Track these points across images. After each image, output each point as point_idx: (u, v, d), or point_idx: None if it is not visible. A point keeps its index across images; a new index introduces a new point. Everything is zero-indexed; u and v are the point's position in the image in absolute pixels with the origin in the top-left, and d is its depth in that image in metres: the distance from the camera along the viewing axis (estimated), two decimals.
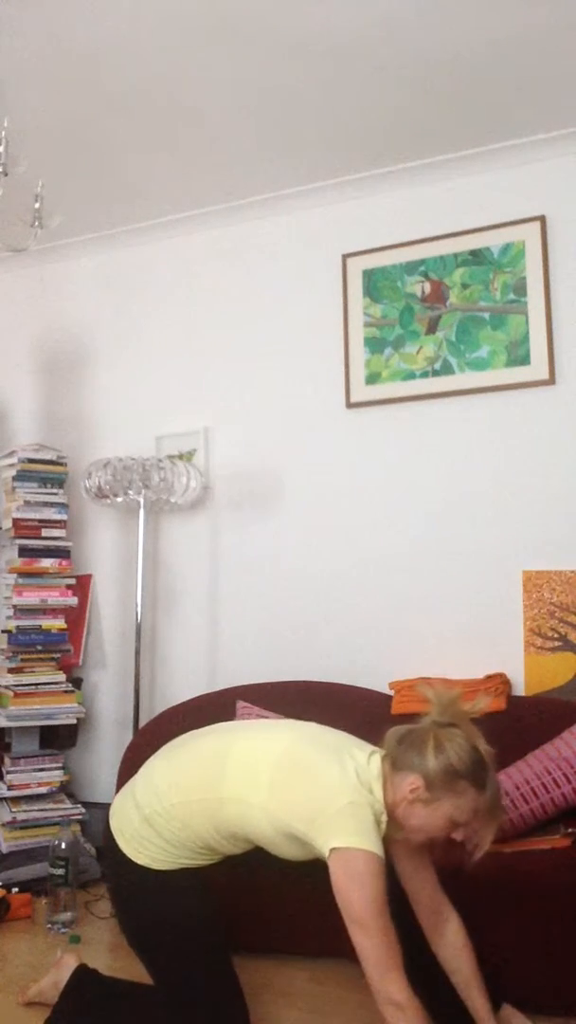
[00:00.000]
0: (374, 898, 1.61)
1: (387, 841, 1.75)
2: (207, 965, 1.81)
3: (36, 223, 2.46)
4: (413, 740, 1.75)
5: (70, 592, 3.29)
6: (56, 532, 3.29)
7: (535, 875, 2.09)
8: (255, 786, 1.78)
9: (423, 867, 1.87)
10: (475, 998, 1.81)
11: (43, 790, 3.12)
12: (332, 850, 1.65)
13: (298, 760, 1.78)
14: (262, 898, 2.35)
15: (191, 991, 1.79)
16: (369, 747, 1.84)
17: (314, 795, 1.71)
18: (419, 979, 1.66)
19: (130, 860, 1.86)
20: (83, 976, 2.00)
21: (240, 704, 3.00)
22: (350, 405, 3.35)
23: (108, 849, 1.93)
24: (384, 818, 1.73)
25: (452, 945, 1.83)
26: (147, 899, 1.86)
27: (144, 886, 1.86)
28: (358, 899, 1.61)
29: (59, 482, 3.33)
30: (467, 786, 1.69)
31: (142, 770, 1.99)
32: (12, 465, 3.28)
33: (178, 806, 1.83)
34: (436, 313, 3.24)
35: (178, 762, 1.91)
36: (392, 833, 1.79)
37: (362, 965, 1.60)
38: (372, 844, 1.65)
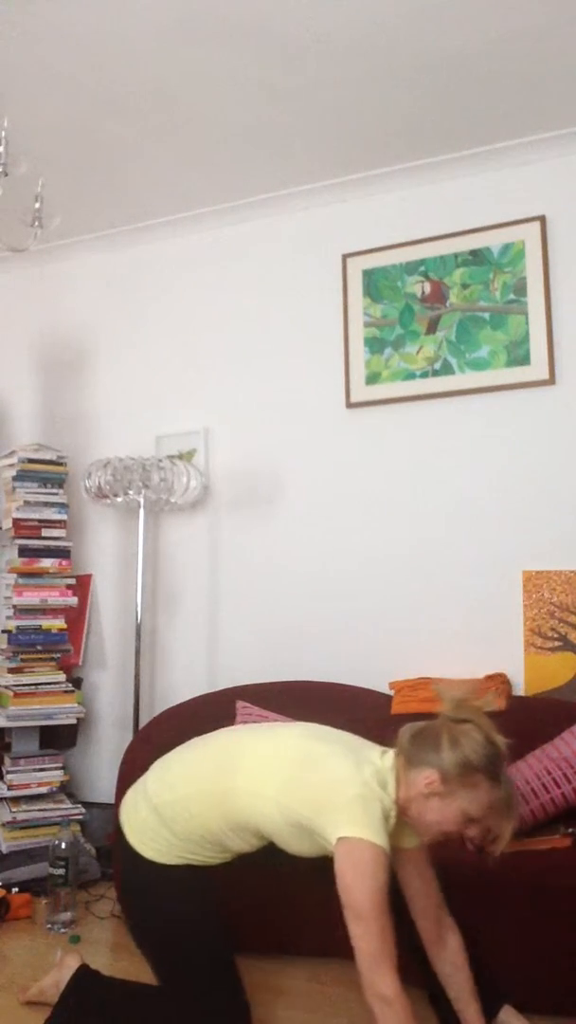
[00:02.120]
0: (375, 891, 1.61)
1: (393, 850, 1.75)
2: (209, 963, 1.81)
3: (36, 223, 2.46)
4: (428, 736, 1.75)
5: (70, 592, 3.29)
6: (56, 532, 3.29)
7: (535, 875, 2.09)
8: (267, 777, 1.79)
9: (426, 878, 1.87)
10: (470, 1012, 1.81)
11: (43, 790, 3.12)
12: (339, 839, 1.65)
13: (311, 752, 1.79)
14: (262, 898, 2.35)
15: (193, 989, 1.79)
16: (380, 747, 1.84)
17: (325, 785, 1.72)
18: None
19: (136, 853, 1.87)
20: (84, 977, 2.00)
21: (240, 704, 3.00)
22: (350, 405, 3.35)
23: (116, 842, 1.93)
24: (393, 815, 1.73)
25: (450, 960, 1.84)
26: (151, 893, 1.86)
27: (149, 880, 1.86)
28: (359, 890, 1.61)
29: (59, 482, 3.33)
30: (482, 779, 1.69)
31: (154, 765, 2.00)
32: (12, 465, 3.28)
33: (188, 796, 1.84)
34: (436, 313, 3.24)
35: (190, 756, 1.92)
36: (401, 842, 1.79)
37: (356, 956, 1.61)
38: (379, 837, 1.64)
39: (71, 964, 2.05)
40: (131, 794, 1.97)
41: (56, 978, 2.06)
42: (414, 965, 1.70)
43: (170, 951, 1.83)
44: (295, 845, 1.81)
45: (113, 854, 1.96)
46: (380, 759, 1.78)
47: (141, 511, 3.31)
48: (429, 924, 1.85)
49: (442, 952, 1.84)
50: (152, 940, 1.88)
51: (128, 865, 1.89)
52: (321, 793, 1.71)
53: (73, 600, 3.29)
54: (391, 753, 1.80)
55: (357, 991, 2.19)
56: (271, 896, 2.34)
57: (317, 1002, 2.15)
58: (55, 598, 3.25)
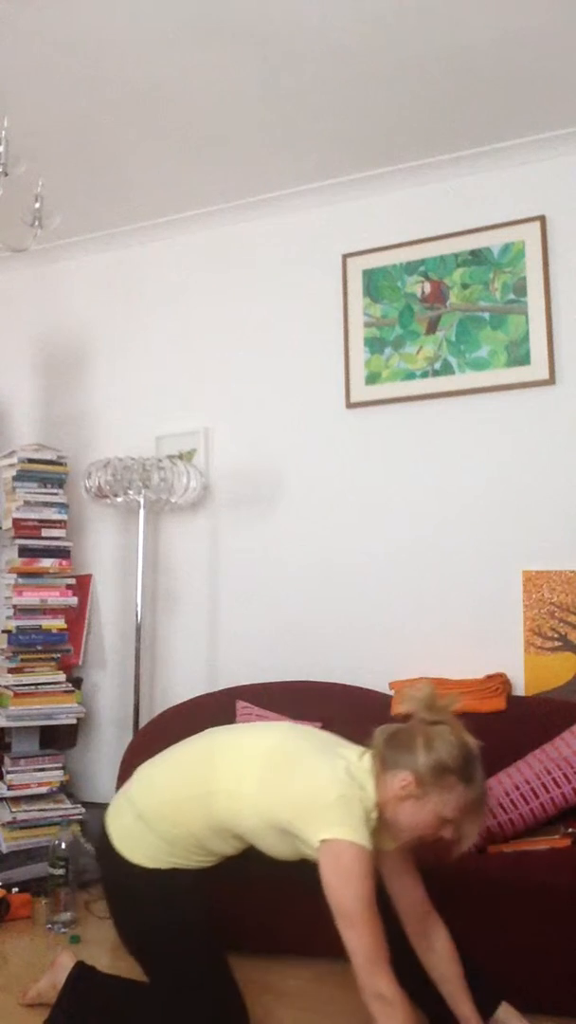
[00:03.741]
0: (362, 892, 1.61)
1: (375, 851, 1.75)
2: (204, 966, 1.81)
3: (36, 223, 2.46)
4: (402, 738, 1.76)
5: (70, 592, 3.29)
6: (56, 532, 3.29)
7: (535, 875, 2.09)
8: (245, 779, 1.79)
9: (409, 874, 1.87)
10: (463, 1005, 1.81)
11: (43, 790, 3.12)
12: (322, 842, 1.65)
13: (288, 754, 1.79)
14: (261, 899, 2.35)
15: (190, 992, 1.79)
16: (358, 747, 1.85)
17: (304, 788, 1.72)
18: (406, 982, 1.65)
19: (124, 859, 1.86)
20: (80, 975, 2.00)
21: (240, 704, 3.00)
22: (350, 405, 3.35)
23: (102, 849, 1.93)
24: (374, 815, 1.74)
25: (439, 954, 1.83)
26: (140, 898, 1.86)
27: (137, 885, 1.86)
28: (346, 893, 1.61)
29: (59, 482, 3.33)
30: (456, 781, 1.69)
31: (135, 773, 2.00)
32: (12, 465, 3.28)
33: (169, 803, 1.84)
34: (436, 313, 3.24)
35: (171, 761, 1.93)
36: (380, 844, 1.79)
37: (351, 959, 1.61)
38: (361, 838, 1.65)
39: (66, 963, 2.05)
40: (116, 800, 1.97)
41: (52, 979, 2.06)
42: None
43: (163, 955, 1.83)
44: (274, 847, 1.81)
45: (98, 859, 1.96)
46: (359, 760, 1.78)
47: (141, 511, 3.31)
48: (415, 922, 1.85)
49: (430, 950, 1.84)
50: (144, 944, 1.88)
51: (115, 870, 1.89)
52: (301, 795, 1.71)
53: (73, 600, 3.29)
54: (368, 755, 1.80)
55: (357, 991, 2.18)
56: (270, 897, 2.34)
57: (317, 1002, 2.15)
58: (55, 598, 3.25)
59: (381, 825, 1.76)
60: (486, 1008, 1.86)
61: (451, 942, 1.85)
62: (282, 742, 1.83)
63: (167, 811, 1.84)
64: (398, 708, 1.82)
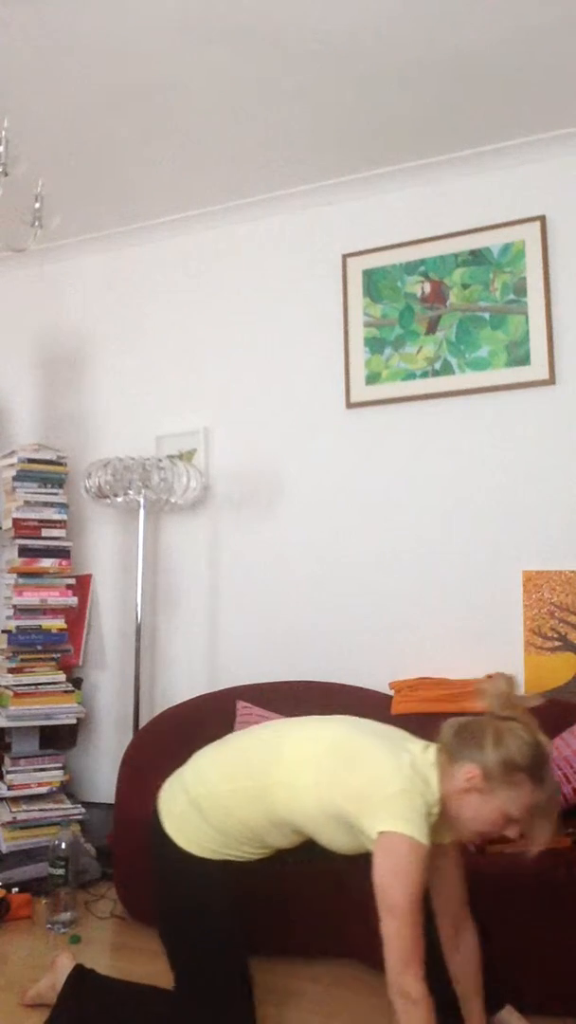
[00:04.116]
0: (412, 888, 1.59)
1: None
2: (225, 965, 1.81)
3: (36, 223, 2.46)
4: (472, 731, 1.72)
5: (70, 592, 3.29)
6: (56, 532, 3.29)
7: (535, 875, 2.09)
8: (306, 771, 1.77)
9: (454, 871, 1.85)
10: (472, 1003, 1.82)
11: (43, 790, 3.12)
12: (380, 833, 1.63)
13: (352, 746, 1.77)
14: (263, 899, 2.35)
15: (203, 985, 1.79)
16: (423, 741, 1.82)
17: (367, 779, 1.70)
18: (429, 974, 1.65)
19: (173, 842, 1.85)
20: (79, 977, 2.00)
21: (240, 704, 3.00)
22: (350, 405, 3.35)
23: (153, 829, 1.92)
24: (436, 810, 1.71)
25: (465, 957, 1.84)
26: (184, 883, 1.85)
27: (183, 870, 1.85)
28: (396, 886, 1.59)
29: (59, 482, 3.32)
30: (524, 779, 1.65)
31: (192, 759, 1.98)
32: (12, 465, 3.27)
33: (226, 793, 1.82)
34: (436, 313, 3.24)
35: (228, 751, 1.91)
36: (437, 838, 1.77)
37: (384, 952, 1.59)
38: (419, 833, 1.62)
39: (65, 965, 2.05)
40: (170, 783, 1.95)
41: (51, 981, 2.06)
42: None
43: (192, 945, 1.83)
44: (334, 840, 1.79)
45: (152, 839, 1.94)
46: (422, 753, 1.75)
47: (141, 511, 3.31)
48: (448, 920, 1.84)
49: (456, 949, 1.84)
50: (176, 930, 1.87)
51: (164, 853, 1.88)
52: (363, 786, 1.69)
53: (73, 600, 3.29)
54: (433, 748, 1.77)
55: (357, 991, 2.19)
56: (272, 898, 2.34)
57: (317, 1002, 2.15)
58: (55, 598, 3.25)
59: (443, 820, 1.74)
60: (492, 1009, 1.87)
61: (478, 945, 1.85)
62: (346, 734, 1.81)
63: (224, 800, 1.82)
64: (477, 704, 1.79)
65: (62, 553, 3.29)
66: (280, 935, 2.36)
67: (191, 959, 1.83)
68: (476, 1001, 1.83)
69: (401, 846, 1.61)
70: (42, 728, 3.30)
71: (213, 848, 1.84)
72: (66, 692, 3.19)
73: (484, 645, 3.07)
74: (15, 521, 3.24)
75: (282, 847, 1.89)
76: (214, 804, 1.83)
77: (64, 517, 3.32)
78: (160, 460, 3.22)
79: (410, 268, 3.30)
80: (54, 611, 3.26)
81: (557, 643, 2.95)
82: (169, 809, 1.89)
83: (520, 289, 3.12)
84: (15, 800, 3.10)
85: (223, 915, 1.84)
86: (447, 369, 3.20)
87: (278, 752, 1.83)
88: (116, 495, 3.21)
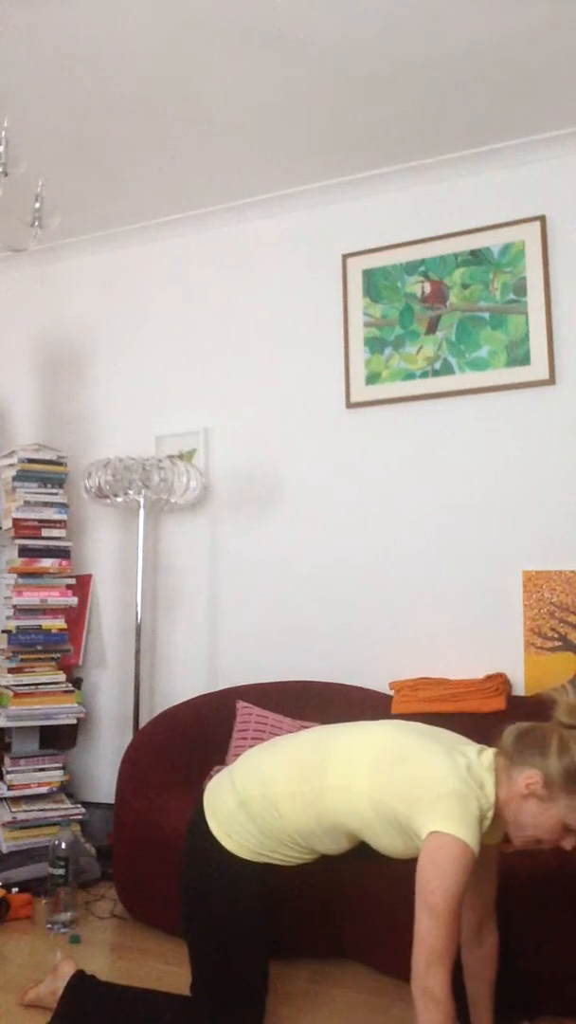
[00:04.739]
0: (455, 890, 1.58)
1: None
2: (246, 971, 1.81)
3: (36, 223, 2.46)
4: (535, 737, 1.71)
5: (70, 592, 3.29)
6: (56, 532, 3.29)
7: (535, 875, 2.09)
8: (360, 774, 1.75)
9: (490, 871, 1.84)
10: (482, 1003, 1.83)
11: (43, 790, 3.12)
12: (431, 833, 1.61)
13: (406, 746, 1.76)
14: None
15: (216, 988, 1.80)
16: (477, 745, 1.81)
17: (420, 779, 1.68)
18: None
19: (216, 841, 1.85)
20: (80, 984, 1.99)
21: (240, 704, 3.00)
22: (350, 405, 3.35)
23: (196, 826, 1.90)
24: (490, 814, 1.69)
25: (482, 959, 1.84)
26: (222, 884, 1.84)
27: (223, 870, 1.84)
28: (439, 886, 1.57)
29: (59, 482, 3.33)
30: None
31: (241, 758, 1.96)
32: (12, 465, 3.28)
33: (281, 796, 1.81)
34: (436, 313, 3.24)
35: (283, 752, 1.89)
36: (488, 840, 1.75)
37: (414, 948, 1.58)
38: (470, 837, 1.61)
39: (66, 972, 2.04)
40: (216, 782, 1.94)
41: (52, 986, 2.05)
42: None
43: (217, 946, 1.83)
44: (389, 845, 1.77)
45: (190, 834, 1.92)
46: (477, 757, 1.74)
47: (141, 511, 3.31)
48: (475, 915, 1.84)
49: (476, 949, 1.84)
50: (204, 928, 1.86)
51: (203, 848, 1.86)
52: (417, 786, 1.68)
53: (73, 600, 3.29)
54: (490, 752, 1.75)
55: (357, 992, 2.19)
56: (272, 897, 2.33)
57: (317, 1002, 2.15)
58: (55, 598, 3.25)
59: (494, 824, 1.72)
60: (501, 1018, 1.88)
61: (497, 949, 1.85)
62: (398, 736, 1.79)
63: (275, 801, 1.81)
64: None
65: (62, 553, 3.30)
66: (276, 935, 2.36)
67: (217, 962, 1.83)
68: (486, 1002, 1.83)
69: (452, 849, 1.59)
70: (42, 728, 3.30)
71: (254, 850, 1.83)
72: (66, 692, 3.19)
73: (484, 645, 3.07)
74: (15, 521, 3.24)
75: (330, 853, 1.87)
76: (266, 806, 1.82)
77: (64, 517, 3.32)
78: (160, 460, 3.22)
79: (410, 268, 3.30)
80: (54, 611, 3.26)
81: (557, 643, 2.95)
82: (216, 808, 1.88)
83: (520, 289, 3.12)
84: (15, 800, 3.11)
85: (257, 920, 1.84)
86: (447, 369, 3.20)
87: (331, 755, 1.81)
88: (116, 495, 3.21)
